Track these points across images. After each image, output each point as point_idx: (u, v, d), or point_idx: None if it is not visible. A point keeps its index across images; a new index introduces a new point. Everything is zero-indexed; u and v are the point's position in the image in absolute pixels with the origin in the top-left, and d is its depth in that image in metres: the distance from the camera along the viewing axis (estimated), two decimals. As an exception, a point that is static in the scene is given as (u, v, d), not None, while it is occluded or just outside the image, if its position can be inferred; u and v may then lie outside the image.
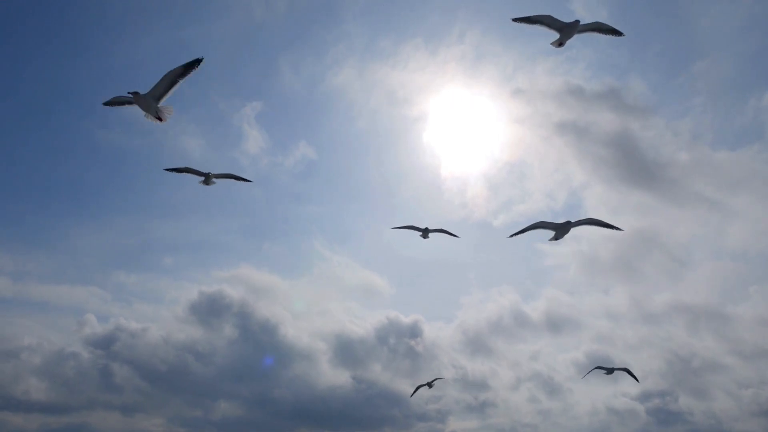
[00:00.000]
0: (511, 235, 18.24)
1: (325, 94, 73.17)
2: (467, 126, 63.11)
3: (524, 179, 60.93)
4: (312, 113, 75.02)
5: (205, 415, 49.45)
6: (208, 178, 18.66)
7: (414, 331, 53.75)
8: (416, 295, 73.70)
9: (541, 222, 17.89)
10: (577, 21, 14.30)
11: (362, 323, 55.81)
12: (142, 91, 12.98)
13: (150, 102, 13.06)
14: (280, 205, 76.84)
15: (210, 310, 55.19)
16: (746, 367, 46.09)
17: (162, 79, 12.70)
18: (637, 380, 23.72)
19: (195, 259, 73.64)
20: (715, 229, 57.69)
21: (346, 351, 53.00)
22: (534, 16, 14.41)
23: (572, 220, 17.65)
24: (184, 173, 18.63)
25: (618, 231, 17.29)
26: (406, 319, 55.07)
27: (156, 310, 65.52)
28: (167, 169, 18.55)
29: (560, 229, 17.81)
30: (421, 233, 22.98)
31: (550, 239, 18.07)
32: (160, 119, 13.56)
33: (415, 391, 29.37)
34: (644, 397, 47.10)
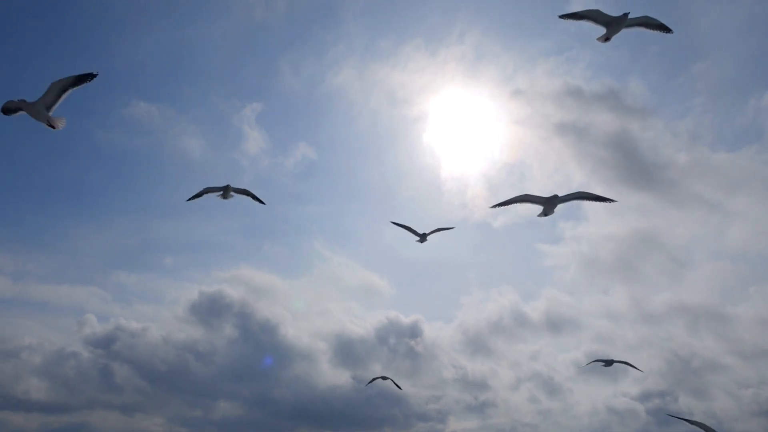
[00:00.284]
0: (494, 206, 17.46)
1: (325, 94, 73.60)
2: (467, 126, 63.61)
3: (524, 180, 61.55)
4: (312, 114, 75.41)
5: (205, 415, 49.80)
6: (226, 191, 18.76)
7: (414, 331, 54.37)
8: (416, 295, 74.47)
9: (527, 195, 17.09)
10: (626, 14, 13.97)
11: (362, 323, 56.33)
12: (31, 98, 12.73)
13: (40, 110, 12.86)
14: (280, 205, 76.75)
15: (210, 310, 55.60)
16: (746, 367, 46.40)
17: (50, 88, 12.54)
18: (639, 369, 23.84)
19: (195, 259, 74.07)
20: (714, 229, 58.21)
21: (346, 351, 53.30)
22: (581, 11, 14.35)
23: (559, 194, 16.80)
24: (203, 195, 18.82)
25: (611, 203, 16.52)
26: (406, 319, 55.67)
27: (156, 310, 65.90)
28: (188, 199, 18.90)
29: (547, 204, 17.07)
30: (418, 238, 22.78)
31: (539, 215, 17.42)
32: (52, 126, 13.42)
33: (371, 381, 29.96)
34: (644, 397, 47.58)
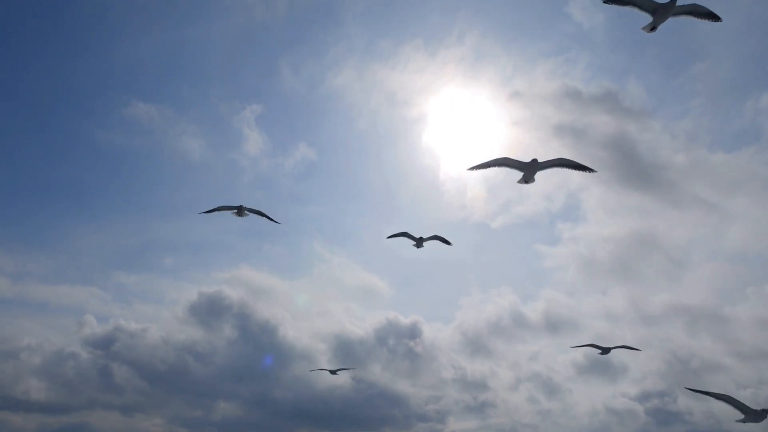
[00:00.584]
0: (471, 168, 17.02)
1: (324, 95, 74.21)
2: (466, 127, 64.15)
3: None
4: (312, 114, 76.01)
5: (205, 415, 49.94)
6: (240, 211, 19.33)
7: (413, 332, 54.56)
8: (415, 296, 74.56)
9: (506, 158, 16.77)
10: (674, 1, 13.33)
11: (362, 324, 56.25)
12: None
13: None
14: (280, 205, 76.84)
15: (210, 310, 55.52)
16: (745, 367, 45.64)
17: None
18: (636, 349, 24.18)
19: (195, 259, 74.13)
20: (713, 230, 58.20)
21: (346, 351, 53.07)
22: None
23: (539, 159, 16.59)
24: (217, 212, 19.46)
25: (592, 173, 16.52)
26: (406, 320, 55.82)
27: (156, 311, 65.78)
28: (202, 213, 19.58)
29: (527, 169, 16.68)
30: (414, 243, 22.69)
31: (519, 181, 17.09)
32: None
33: (321, 369, 30.60)
34: (643, 397, 47.69)
